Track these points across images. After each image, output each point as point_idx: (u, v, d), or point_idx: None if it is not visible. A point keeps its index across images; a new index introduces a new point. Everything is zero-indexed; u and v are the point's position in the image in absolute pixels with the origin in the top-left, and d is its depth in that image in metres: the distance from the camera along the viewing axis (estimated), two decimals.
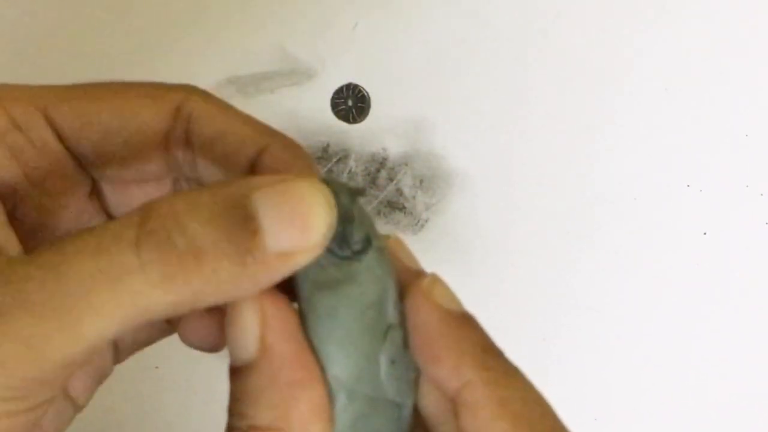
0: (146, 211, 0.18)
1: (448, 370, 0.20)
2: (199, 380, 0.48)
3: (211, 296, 0.18)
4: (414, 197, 0.49)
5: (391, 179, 0.49)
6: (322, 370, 0.20)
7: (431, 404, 0.21)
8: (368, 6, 0.50)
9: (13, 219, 0.22)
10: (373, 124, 0.49)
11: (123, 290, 0.18)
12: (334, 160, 0.49)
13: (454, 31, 0.50)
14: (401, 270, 0.22)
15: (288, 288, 0.20)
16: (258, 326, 0.19)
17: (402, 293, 0.21)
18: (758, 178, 0.49)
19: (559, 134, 0.49)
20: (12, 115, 0.23)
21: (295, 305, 0.21)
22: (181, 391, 0.48)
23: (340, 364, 0.20)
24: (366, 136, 0.49)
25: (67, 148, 0.24)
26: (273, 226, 0.18)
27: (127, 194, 0.26)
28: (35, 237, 0.24)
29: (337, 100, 0.49)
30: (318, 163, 0.49)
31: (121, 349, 0.27)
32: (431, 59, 0.50)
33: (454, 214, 0.49)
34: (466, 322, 0.21)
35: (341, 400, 0.20)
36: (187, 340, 0.24)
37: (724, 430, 0.49)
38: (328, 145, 0.49)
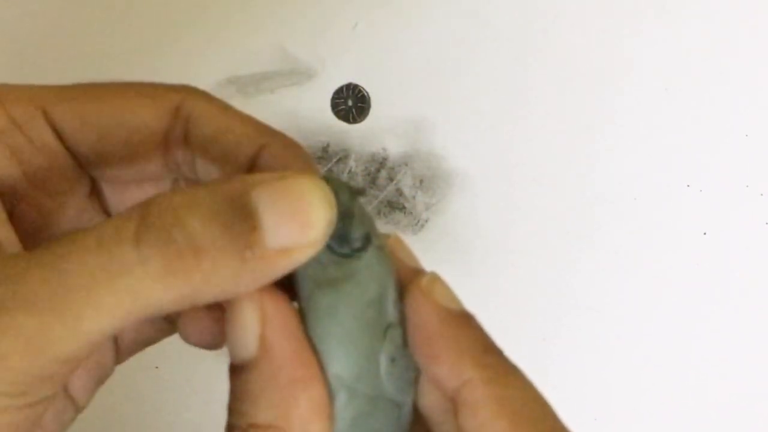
0: (146, 207, 0.18)
1: (447, 369, 0.20)
2: (199, 380, 0.48)
3: (211, 292, 0.18)
4: (414, 197, 0.49)
5: (391, 179, 0.49)
6: (322, 368, 0.20)
7: (431, 403, 0.21)
8: (368, 6, 0.50)
9: (12, 218, 0.22)
10: (373, 124, 0.49)
11: (123, 286, 0.18)
12: (334, 160, 0.49)
13: (454, 31, 0.50)
14: (401, 269, 0.22)
15: (288, 286, 0.20)
16: (258, 324, 0.19)
17: (402, 292, 0.21)
18: (758, 178, 0.49)
19: (559, 134, 0.49)
20: (12, 114, 0.23)
21: (295, 304, 0.21)
22: (181, 391, 0.48)
23: (340, 363, 0.20)
24: (366, 136, 0.49)
25: (67, 148, 0.24)
26: (272, 222, 0.18)
27: (127, 194, 0.26)
28: (35, 236, 0.24)
29: (337, 100, 0.49)
30: (318, 163, 0.49)
31: (122, 350, 0.27)
32: (431, 59, 0.50)
33: (454, 214, 0.49)
34: (465, 321, 0.21)
35: (341, 398, 0.20)
36: (187, 338, 0.24)
37: (724, 430, 0.49)
38: (328, 145, 0.49)
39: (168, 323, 0.26)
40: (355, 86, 0.49)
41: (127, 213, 0.18)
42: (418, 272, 0.22)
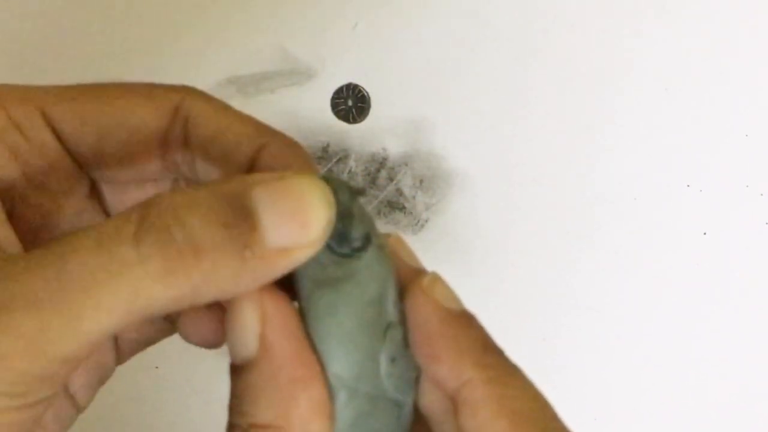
0: (146, 206, 0.18)
1: (447, 369, 0.20)
2: (199, 380, 0.48)
3: (211, 291, 0.19)
4: (414, 197, 0.49)
5: (391, 179, 0.49)
6: (323, 367, 0.20)
7: (432, 403, 0.21)
8: (368, 6, 0.50)
9: (12, 218, 0.22)
10: (373, 124, 0.49)
11: (123, 285, 0.18)
12: (334, 160, 0.49)
13: (454, 31, 0.50)
14: (402, 268, 0.22)
15: (288, 286, 0.20)
16: (258, 324, 0.19)
17: (402, 292, 0.21)
18: (758, 178, 0.49)
19: (559, 134, 0.49)
20: (11, 114, 0.23)
21: (295, 303, 0.21)
22: (181, 391, 0.48)
23: (341, 362, 0.20)
24: (366, 136, 0.49)
25: (66, 148, 0.24)
26: (272, 221, 0.18)
27: (126, 194, 0.26)
28: (34, 236, 0.24)
29: (337, 100, 0.49)
30: (318, 163, 0.49)
31: (122, 350, 0.27)
32: (431, 59, 0.50)
33: (454, 214, 0.49)
34: (466, 321, 0.21)
35: (341, 398, 0.20)
36: (187, 337, 0.24)
37: (724, 430, 0.49)
38: (328, 145, 0.49)
39: (168, 323, 0.26)
40: (355, 86, 0.49)
41: (127, 213, 0.18)
42: (419, 272, 0.22)
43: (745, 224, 0.49)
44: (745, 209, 0.49)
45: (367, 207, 0.49)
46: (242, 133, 0.24)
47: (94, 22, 0.50)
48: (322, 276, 0.20)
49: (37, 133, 0.23)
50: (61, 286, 0.18)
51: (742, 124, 0.49)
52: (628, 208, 0.49)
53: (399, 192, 0.49)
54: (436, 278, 0.21)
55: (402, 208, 0.49)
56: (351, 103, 0.49)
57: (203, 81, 0.47)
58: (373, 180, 0.49)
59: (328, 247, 0.20)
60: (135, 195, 0.26)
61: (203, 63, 0.49)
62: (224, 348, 0.23)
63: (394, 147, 0.49)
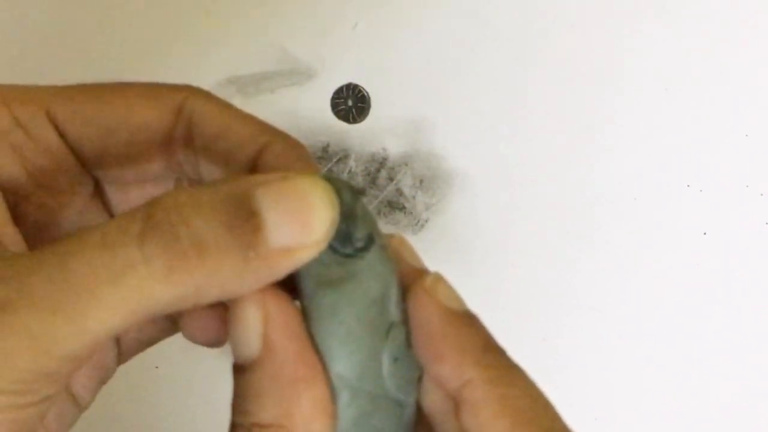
0: (151, 206, 0.19)
1: (449, 369, 0.20)
2: (199, 380, 0.48)
3: (214, 291, 0.19)
4: (414, 197, 0.49)
5: (391, 179, 0.49)
6: (325, 367, 0.20)
7: (434, 402, 0.21)
8: (368, 6, 0.50)
9: (15, 217, 0.23)
10: (373, 124, 0.49)
11: (127, 284, 0.18)
12: (334, 160, 0.49)
13: (454, 31, 0.50)
14: (405, 268, 0.22)
15: (290, 285, 0.20)
16: (261, 324, 0.19)
17: (405, 292, 0.21)
18: (758, 178, 0.49)
19: (559, 134, 0.49)
20: (15, 114, 0.23)
21: (297, 303, 0.21)
22: (181, 391, 0.48)
23: (343, 362, 0.20)
24: (366, 136, 0.49)
25: (70, 148, 0.24)
26: (276, 221, 0.18)
27: (130, 194, 0.26)
28: (38, 235, 0.24)
29: (337, 100, 0.49)
30: (318, 163, 0.49)
31: (124, 349, 0.27)
32: (431, 59, 0.50)
33: (454, 214, 0.49)
34: (468, 321, 0.21)
35: (344, 397, 0.20)
36: (189, 336, 0.25)
37: (724, 430, 0.49)
38: (328, 145, 0.49)
39: (170, 323, 0.26)
40: (355, 86, 0.49)
41: (132, 212, 0.19)
42: (422, 272, 0.22)
43: (745, 224, 0.49)
44: (745, 209, 0.49)
45: (367, 207, 0.49)
46: (245, 133, 0.24)
47: (95, 22, 0.50)
48: (325, 276, 0.20)
49: (42, 132, 0.23)
50: (65, 285, 0.18)
51: (742, 124, 0.49)
52: (628, 208, 0.49)
53: (399, 192, 0.49)
54: (438, 278, 0.21)
55: (402, 208, 0.49)
56: (351, 103, 0.49)
57: (203, 81, 0.47)
58: (373, 180, 0.49)
59: (331, 247, 0.20)
60: (138, 194, 0.26)
61: (203, 63, 0.49)
62: (224, 348, 0.23)
63: (394, 147, 0.49)
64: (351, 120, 0.49)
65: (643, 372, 0.49)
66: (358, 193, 0.21)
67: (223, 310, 0.23)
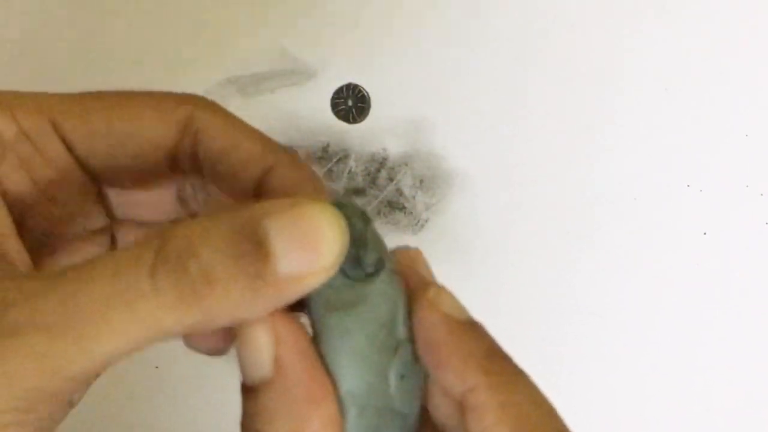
0: (163, 237, 0.19)
1: (453, 376, 0.20)
2: (199, 380, 0.48)
3: (224, 318, 0.19)
4: (414, 197, 0.49)
5: (391, 179, 0.49)
6: (334, 385, 0.20)
7: (442, 409, 0.22)
8: (368, 6, 0.50)
9: (20, 227, 0.23)
10: (373, 124, 0.49)
11: (138, 313, 0.18)
12: (334, 160, 0.49)
13: (454, 31, 0.50)
14: (415, 283, 0.22)
15: (297, 303, 0.21)
16: (272, 346, 0.20)
17: (411, 307, 0.21)
18: (758, 178, 0.49)
19: (559, 134, 0.49)
20: (22, 125, 0.23)
21: (303, 319, 0.21)
22: (181, 391, 0.48)
23: (353, 381, 0.20)
24: (366, 136, 0.49)
25: (76, 160, 0.24)
26: (284, 251, 0.19)
27: (132, 197, 0.26)
28: (43, 243, 0.24)
29: (337, 100, 0.49)
30: (318, 163, 0.49)
31: None
32: (431, 59, 0.50)
33: (454, 214, 0.49)
34: (471, 329, 0.21)
35: (352, 413, 0.20)
36: (190, 346, 0.25)
37: (724, 429, 0.49)
38: (328, 145, 0.49)
39: None
40: (355, 86, 0.49)
41: (146, 243, 0.19)
42: (426, 284, 0.22)
43: (745, 224, 0.49)
44: (745, 209, 0.49)
45: (367, 207, 0.49)
46: (251, 152, 0.24)
47: (95, 22, 0.50)
48: (336, 300, 0.21)
49: (48, 144, 0.23)
50: (77, 310, 0.18)
51: (742, 124, 0.49)
52: (628, 208, 0.49)
53: (399, 192, 0.49)
54: (441, 289, 0.22)
55: (402, 208, 0.49)
56: (351, 103, 0.49)
57: (203, 81, 0.47)
58: (373, 180, 0.49)
59: (343, 272, 0.20)
60: (141, 198, 0.26)
61: (203, 63, 0.49)
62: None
63: (394, 147, 0.49)
64: (351, 120, 0.49)
65: (643, 371, 0.49)
66: (369, 218, 0.21)
67: None
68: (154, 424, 0.48)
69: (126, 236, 0.27)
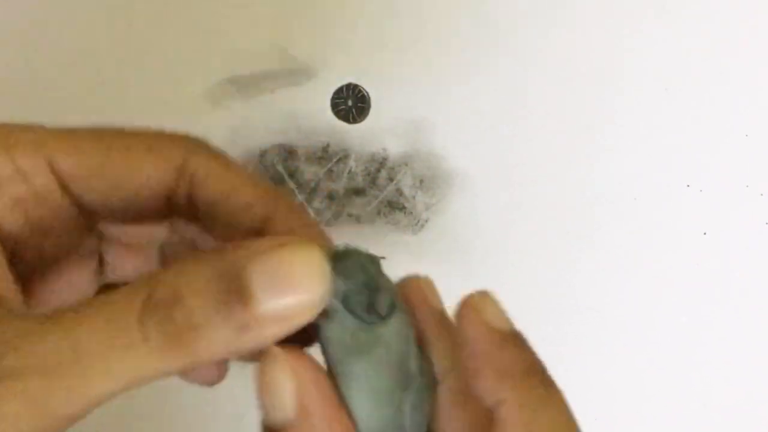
0: (150, 284, 0.20)
1: (487, 387, 0.21)
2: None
3: (210, 360, 0.20)
4: (414, 197, 0.49)
5: (391, 179, 0.49)
6: (353, 422, 0.21)
7: (453, 423, 0.22)
8: (368, 6, 0.50)
9: (13, 262, 0.23)
10: (373, 124, 0.49)
11: (129, 359, 0.19)
12: (334, 160, 0.49)
13: (454, 31, 0.50)
14: (424, 316, 0.23)
15: (303, 336, 0.21)
16: (294, 389, 0.20)
17: (422, 342, 0.22)
18: (758, 178, 0.49)
19: (559, 134, 0.49)
20: (17, 163, 0.23)
21: (316, 356, 0.21)
22: (181, 391, 0.48)
23: (372, 418, 0.21)
24: (366, 136, 0.49)
25: (71, 198, 0.24)
26: (265, 293, 0.19)
27: (129, 243, 0.27)
28: (34, 278, 0.25)
29: (337, 100, 0.49)
30: (318, 163, 0.49)
31: None
32: (431, 59, 0.50)
33: (454, 214, 0.49)
34: (511, 341, 0.21)
35: None
36: (186, 379, 0.25)
37: (724, 429, 0.49)
38: (328, 145, 0.49)
39: None
40: (355, 86, 0.49)
41: (135, 288, 0.20)
42: (442, 316, 0.23)
43: (745, 224, 0.49)
44: (745, 209, 0.49)
45: (367, 207, 0.49)
46: (248, 199, 0.24)
47: (95, 22, 0.50)
48: (352, 342, 0.21)
49: (44, 183, 0.24)
50: (72, 356, 0.19)
51: (742, 124, 0.49)
52: (628, 208, 0.49)
53: (399, 192, 0.49)
54: (485, 296, 0.22)
55: (402, 208, 0.49)
56: (351, 103, 0.49)
57: (203, 81, 0.47)
58: (373, 180, 0.49)
59: (358, 316, 0.21)
60: (133, 231, 0.26)
61: (203, 63, 0.49)
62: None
63: (394, 147, 0.49)
64: (351, 120, 0.49)
65: (642, 371, 0.49)
66: (377, 260, 0.22)
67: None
68: (154, 424, 0.48)
69: (115, 258, 0.27)
